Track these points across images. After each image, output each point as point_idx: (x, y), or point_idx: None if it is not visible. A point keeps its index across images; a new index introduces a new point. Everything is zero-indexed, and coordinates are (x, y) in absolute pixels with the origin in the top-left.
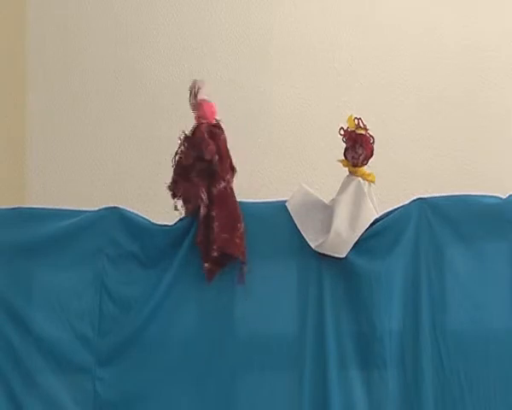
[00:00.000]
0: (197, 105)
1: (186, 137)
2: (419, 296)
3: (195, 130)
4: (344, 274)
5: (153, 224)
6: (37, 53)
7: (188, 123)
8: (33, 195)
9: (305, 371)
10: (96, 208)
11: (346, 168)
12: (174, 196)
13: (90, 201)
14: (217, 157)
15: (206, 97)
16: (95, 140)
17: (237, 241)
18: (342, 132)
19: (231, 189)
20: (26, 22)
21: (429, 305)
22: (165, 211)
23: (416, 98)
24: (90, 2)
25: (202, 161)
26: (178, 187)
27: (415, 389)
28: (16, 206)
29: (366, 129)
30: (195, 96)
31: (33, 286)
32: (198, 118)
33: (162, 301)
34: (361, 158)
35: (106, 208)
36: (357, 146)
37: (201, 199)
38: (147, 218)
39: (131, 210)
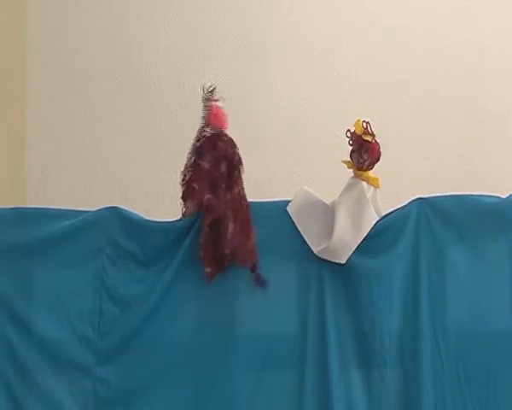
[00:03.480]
0: (214, 109)
1: (204, 145)
2: (419, 296)
3: (218, 137)
4: (344, 274)
5: (152, 223)
6: (37, 53)
7: (187, 123)
8: (33, 195)
9: (307, 370)
10: (96, 208)
11: (348, 169)
12: (199, 204)
13: (90, 201)
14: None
15: (219, 103)
16: (95, 140)
17: (250, 248)
18: (349, 134)
19: (244, 194)
20: (26, 22)
21: (429, 304)
22: (166, 211)
23: (416, 98)
24: (90, 3)
25: (226, 166)
26: (203, 197)
27: (415, 388)
28: (16, 206)
29: (373, 135)
30: (211, 99)
31: (33, 286)
32: (215, 122)
33: (162, 301)
34: (366, 163)
35: (105, 208)
36: (363, 151)
37: (221, 211)
38: (146, 218)
39: (131, 210)
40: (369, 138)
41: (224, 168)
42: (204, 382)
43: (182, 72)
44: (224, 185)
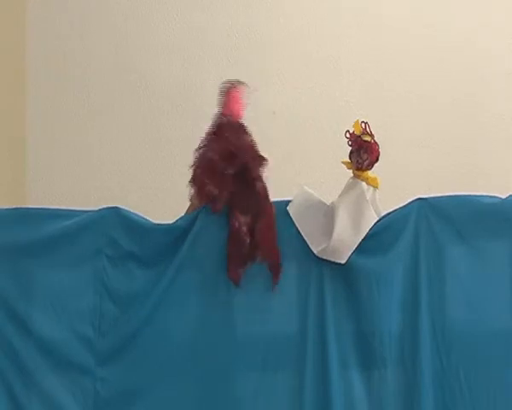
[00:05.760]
0: (231, 95)
1: (214, 132)
2: (419, 296)
3: (229, 126)
4: (344, 274)
5: (152, 223)
6: (37, 53)
7: (188, 123)
8: (33, 195)
9: (306, 371)
10: (96, 208)
11: (349, 170)
12: (199, 193)
13: (90, 201)
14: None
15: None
16: (95, 140)
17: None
18: (348, 136)
19: (266, 192)
20: (25, 22)
21: (429, 304)
22: (166, 211)
23: (417, 98)
24: (90, 3)
25: (237, 164)
26: (203, 187)
27: (415, 388)
28: (16, 206)
29: (372, 136)
30: (231, 88)
31: (34, 286)
32: (227, 110)
33: (162, 301)
34: (365, 163)
35: (106, 208)
36: (362, 152)
37: (217, 206)
38: (146, 218)
39: (131, 210)
40: (368, 139)
41: (233, 168)
42: (204, 382)
43: (182, 72)
44: (230, 185)
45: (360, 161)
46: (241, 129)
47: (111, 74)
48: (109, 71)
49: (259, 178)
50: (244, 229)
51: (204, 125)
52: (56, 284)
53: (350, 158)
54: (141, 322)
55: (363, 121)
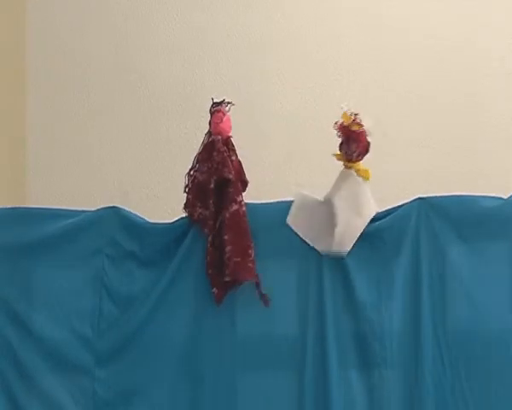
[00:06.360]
0: (216, 117)
1: (201, 153)
2: (419, 296)
3: (213, 146)
4: (344, 274)
5: (152, 223)
6: (37, 53)
7: (188, 123)
8: (33, 195)
9: (306, 371)
10: (96, 208)
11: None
12: (190, 217)
13: (90, 201)
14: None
15: (225, 111)
16: (95, 140)
17: (250, 265)
18: (337, 126)
19: (244, 212)
20: (25, 22)
21: (430, 304)
22: (166, 211)
23: (417, 98)
24: (90, 3)
25: (220, 181)
26: (195, 210)
27: (415, 389)
28: (16, 206)
29: (361, 125)
30: (217, 108)
31: (33, 286)
32: (215, 131)
33: (162, 301)
34: (355, 154)
35: (105, 208)
36: (351, 142)
37: (210, 226)
38: (146, 218)
39: (131, 210)
40: (356, 128)
41: (213, 184)
42: (204, 382)
43: (182, 73)
44: (211, 201)
45: (349, 152)
46: (229, 148)
47: (111, 74)
48: (109, 71)
49: (237, 201)
50: (215, 251)
51: (204, 125)
52: (56, 284)
53: (340, 150)
54: (141, 322)
55: (351, 112)
